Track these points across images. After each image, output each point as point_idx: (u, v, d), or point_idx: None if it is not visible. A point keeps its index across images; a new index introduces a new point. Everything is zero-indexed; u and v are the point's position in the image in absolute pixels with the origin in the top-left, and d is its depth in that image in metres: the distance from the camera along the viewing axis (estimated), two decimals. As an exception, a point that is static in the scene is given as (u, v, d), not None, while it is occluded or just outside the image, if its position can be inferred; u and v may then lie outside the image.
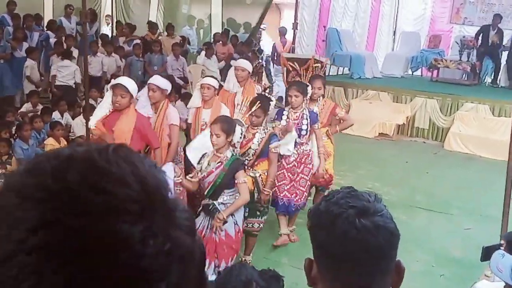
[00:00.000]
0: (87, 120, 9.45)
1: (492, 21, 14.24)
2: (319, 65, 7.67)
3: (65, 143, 9.36)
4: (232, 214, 5.23)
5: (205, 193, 5.29)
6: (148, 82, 6.20)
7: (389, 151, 11.49)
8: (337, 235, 1.37)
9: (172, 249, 0.74)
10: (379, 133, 12.61)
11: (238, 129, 5.34)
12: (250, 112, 5.80)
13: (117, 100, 5.64)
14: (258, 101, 5.86)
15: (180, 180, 5.36)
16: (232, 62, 7.89)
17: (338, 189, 1.48)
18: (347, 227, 1.36)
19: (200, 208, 5.41)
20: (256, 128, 5.89)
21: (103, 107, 5.77)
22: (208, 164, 5.26)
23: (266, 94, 6.41)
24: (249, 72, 7.44)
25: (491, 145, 11.05)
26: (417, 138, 12.65)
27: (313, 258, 1.47)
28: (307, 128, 6.52)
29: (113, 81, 5.87)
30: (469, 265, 5.97)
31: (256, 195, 5.84)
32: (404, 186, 9.01)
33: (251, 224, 5.88)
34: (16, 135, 8.89)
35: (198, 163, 5.37)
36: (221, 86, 7.52)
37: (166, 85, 6.24)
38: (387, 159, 10.78)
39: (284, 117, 6.39)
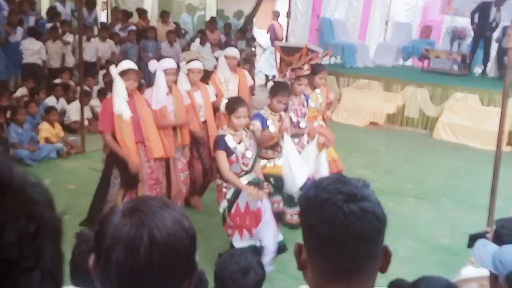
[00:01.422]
0: (83, 105, 9.59)
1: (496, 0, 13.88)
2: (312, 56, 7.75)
3: (60, 127, 9.44)
4: None
5: (247, 169, 5.39)
6: (168, 67, 6.25)
7: (379, 139, 11.58)
8: (325, 220, 1.39)
9: (38, 230, 0.71)
10: (369, 122, 12.70)
11: None
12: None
13: (132, 85, 5.74)
14: (284, 88, 6.03)
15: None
16: (222, 52, 7.96)
17: (327, 176, 1.53)
18: (335, 212, 1.38)
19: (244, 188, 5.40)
20: (276, 113, 5.97)
21: (121, 95, 5.71)
22: (237, 143, 5.36)
23: (281, 80, 6.48)
24: (238, 60, 7.63)
25: (479, 135, 11.15)
26: (407, 127, 12.74)
27: (302, 243, 1.51)
28: (306, 112, 6.69)
29: (118, 68, 5.77)
30: (456, 252, 6.02)
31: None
32: (393, 174, 9.11)
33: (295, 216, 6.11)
34: (10, 119, 8.94)
35: (231, 148, 5.38)
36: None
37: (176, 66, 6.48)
38: (377, 147, 10.88)
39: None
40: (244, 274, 2.88)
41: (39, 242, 0.72)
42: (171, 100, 6.33)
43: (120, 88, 5.73)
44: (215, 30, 14.01)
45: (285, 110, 6.26)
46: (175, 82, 6.50)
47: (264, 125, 5.85)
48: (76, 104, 10.15)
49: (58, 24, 11.94)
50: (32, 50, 11.17)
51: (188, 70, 6.66)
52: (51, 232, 0.76)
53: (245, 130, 5.46)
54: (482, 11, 14.03)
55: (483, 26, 14.01)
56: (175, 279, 1.36)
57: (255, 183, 5.38)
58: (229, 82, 7.43)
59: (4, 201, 0.71)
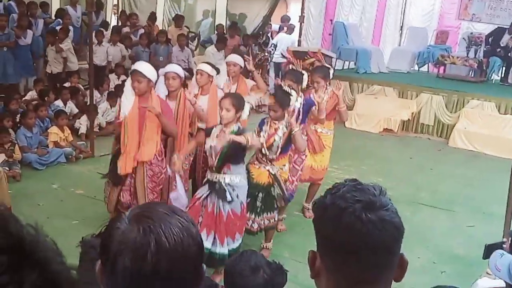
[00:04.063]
0: (91, 108, 9.57)
1: (510, 26, 14.15)
2: (313, 59, 7.59)
3: (69, 132, 9.38)
4: (238, 195, 5.37)
5: (214, 166, 5.36)
6: (166, 71, 6.22)
7: (393, 147, 11.46)
8: (342, 228, 1.37)
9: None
10: (384, 129, 12.57)
11: (247, 106, 5.40)
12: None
13: (134, 86, 5.77)
14: (275, 94, 5.91)
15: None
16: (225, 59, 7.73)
17: (342, 182, 1.47)
18: (353, 221, 1.36)
19: (205, 180, 5.53)
20: (277, 122, 5.85)
21: (128, 95, 5.85)
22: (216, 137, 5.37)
23: (285, 88, 6.34)
24: (241, 67, 7.21)
25: (496, 143, 11.01)
26: (422, 134, 12.58)
27: (316, 251, 1.47)
28: (300, 117, 6.46)
29: (132, 67, 5.96)
30: (471, 262, 5.96)
31: (273, 189, 5.90)
32: (408, 182, 8.98)
33: (267, 221, 5.94)
34: (20, 123, 8.89)
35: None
36: None
37: (182, 72, 6.33)
38: (391, 155, 10.75)
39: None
40: (253, 272, 2.91)
41: None
42: (171, 106, 6.22)
43: (126, 86, 5.92)
44: (235, 36, 13.88)
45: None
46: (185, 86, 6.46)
47: (261, 130, 5.87)
48: (84, 118, 10.11)
49: (58, 29, 11.88)
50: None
51: (196, 71, 6.53)
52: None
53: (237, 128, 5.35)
54: (496, 35, 14.26)
55: (494, 50, 14.19)
56: (182, 286, 1.36)
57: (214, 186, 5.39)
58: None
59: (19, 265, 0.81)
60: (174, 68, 6.31)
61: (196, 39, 14.82)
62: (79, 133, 10.06)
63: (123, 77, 11.45)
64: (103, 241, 1.37)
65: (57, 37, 11.55)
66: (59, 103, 10.30)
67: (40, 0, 12.62)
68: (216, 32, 14.99)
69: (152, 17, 14.54)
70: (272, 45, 14.80)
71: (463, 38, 15.15)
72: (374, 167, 9.68)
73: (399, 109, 12.66)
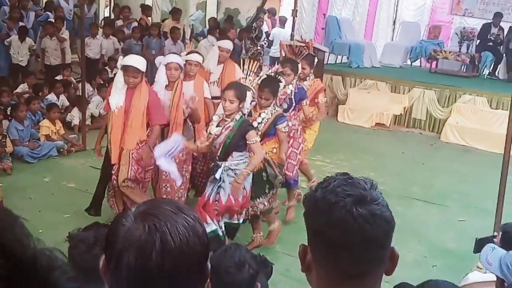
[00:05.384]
0: (84, 102, 9.51)
1: (493, 19, 14.30)
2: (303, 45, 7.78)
3: (60, 125, 9.34)
4: None
5: (218, 155, 5.45)
6: (169, 61, 6.20)
7: (385, 141, 11.47)
8: (333, 223, 1.36)
9: None
10: (376, 123, 12.58)
11: (248, 95, 5.47)
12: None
13: (130, 81, 5.79)
14: (267, 83, 5.96)
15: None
16: (216, 43, 8.06)
17: (333, 176, 1.46)
18: (344, 215, 1.35)
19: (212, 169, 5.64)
20: (263, 109, 5.93)
21: (119, 88, 5.86)
22: (216, 126, 5.42)
23: (277, 76, 6.40)
24: (231, 53, 7.67)
25: (487, 138, 11.03)
26: (414, 129, 12.61)
27: (307, 244, 1.46)
28: (292, 104, 6.67)
29: (122, 61, 5.89)
30: (462, 256, 5.96)
31: (265, 173, 5.91)
32: (400, 177, 8.99)
33: (261, 205, 5.93)
34: (11, 115, 8.85)
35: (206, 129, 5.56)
36: None
37: (182, 62, 6.35)
38: (384, 149, 10.76)
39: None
40: (239, 268, 2.88)
41: None
42: (169, 96, 6.22)
43: (118, 80, 5.91)
44: (230, 30, 13.80)
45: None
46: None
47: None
48: (76, 110, 10.05)
49: (53, 20, 11.79)
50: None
51: (186, 61, 6.53)
52: None
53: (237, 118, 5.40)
54: (485, 30, 14.32)
55: (486, 44, 14.27)
56: (187, 285, 1.36)
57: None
58: (213, 73, 7.45)
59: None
60: (177, 58, 6.30)
61: (190, 32, 14.75)
62: (72, 124, 10.03)
63: (116, 70, 11.40)
64: (108, 236, 1.37)
65: (55, 28, 11.50)
66: (52, 96, 10.26)
67: (32, -8, 12.56)
68: (208, 25, 14.91)
69: (147, 9, 14.42)
70: (265, 40, 14.75)
71: (456, 33, 15.20)
72: (366, 161, 9.69)
73: (391, 104, 12.69)
